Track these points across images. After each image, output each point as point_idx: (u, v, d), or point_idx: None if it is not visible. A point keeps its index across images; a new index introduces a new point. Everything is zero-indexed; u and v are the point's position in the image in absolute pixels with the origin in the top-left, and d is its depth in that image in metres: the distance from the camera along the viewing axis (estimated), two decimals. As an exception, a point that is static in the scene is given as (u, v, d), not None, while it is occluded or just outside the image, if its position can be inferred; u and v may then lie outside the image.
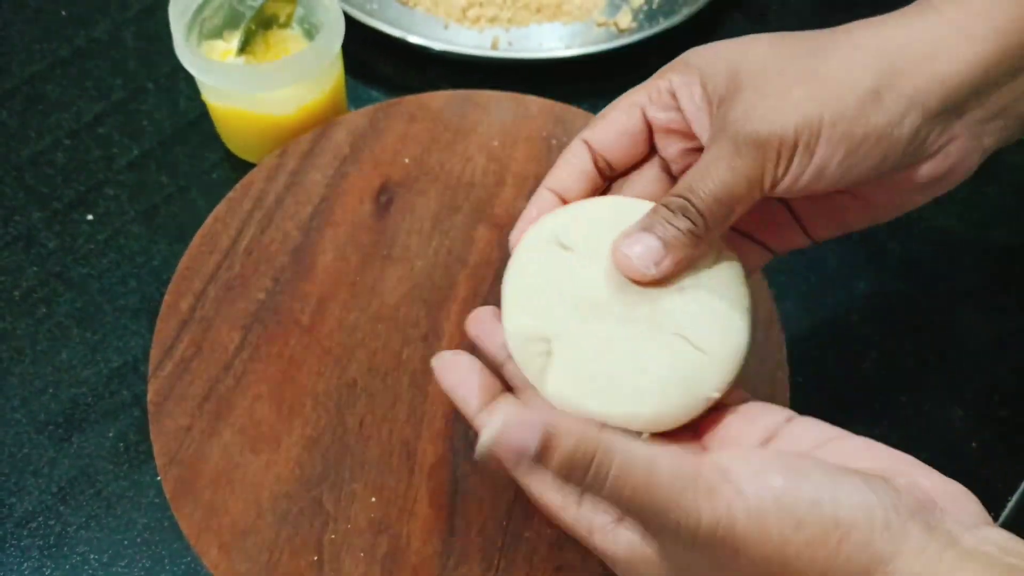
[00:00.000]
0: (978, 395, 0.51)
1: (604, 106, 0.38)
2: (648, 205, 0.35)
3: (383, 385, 0.43)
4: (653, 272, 0.33)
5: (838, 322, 0.53)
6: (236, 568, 0.39)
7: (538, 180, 0.48)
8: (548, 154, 0.49)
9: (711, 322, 0.34)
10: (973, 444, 0.50)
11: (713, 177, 0.32)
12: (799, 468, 0.28)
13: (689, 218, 0.33)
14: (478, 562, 0.39)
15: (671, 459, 0.27)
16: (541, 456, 0.25)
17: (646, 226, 0.33)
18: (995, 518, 0.48)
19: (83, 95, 0.58)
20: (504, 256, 0.47)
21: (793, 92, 0.32)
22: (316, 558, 0.39)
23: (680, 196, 0.33)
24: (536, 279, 0.35)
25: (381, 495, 0.41)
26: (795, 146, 0.32)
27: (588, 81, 0.60)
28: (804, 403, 0.48)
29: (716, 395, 0.33)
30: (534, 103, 0.51)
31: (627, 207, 0.35)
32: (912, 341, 0.53)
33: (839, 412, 0.50)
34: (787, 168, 0.32)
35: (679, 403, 0.33)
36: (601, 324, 0.33)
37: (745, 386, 0.44)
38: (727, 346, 0.33)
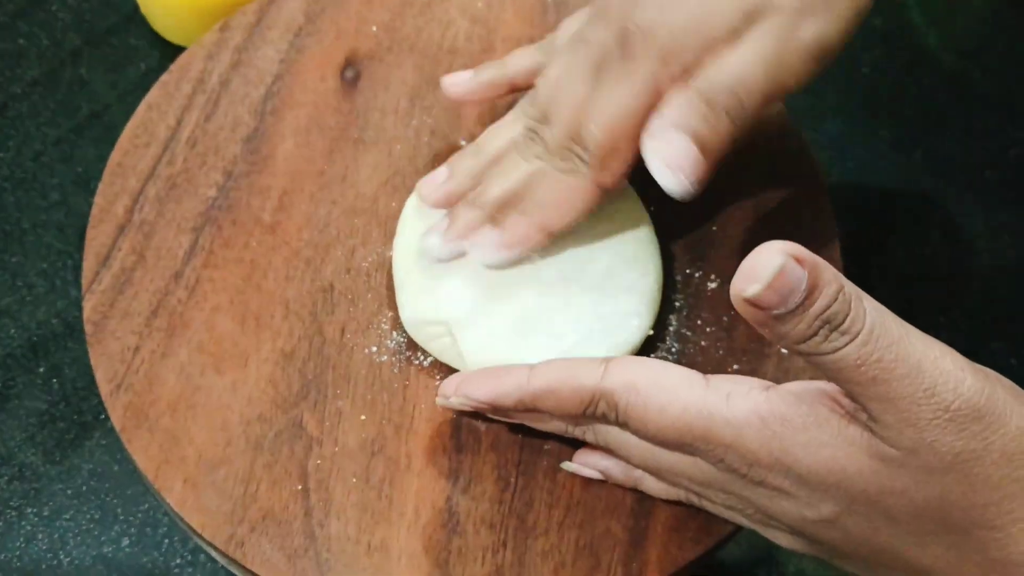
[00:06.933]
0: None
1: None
2: None
3: (366, 287, 0.37)
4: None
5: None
6: (205, 504, 0.32)
7: (534, 43, 0.42)
8: (543, 14, 0.42)
9: (622, 261, 0.35)
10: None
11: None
12: None
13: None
14: (493, 481, 0.34)
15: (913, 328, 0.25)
16: (807, 298, 0.23)
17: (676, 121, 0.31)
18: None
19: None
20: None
21: None
22: (300, 487, 0.33)
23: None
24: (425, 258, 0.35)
25: (373, 412, 0.35)
26: None
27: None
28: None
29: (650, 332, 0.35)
30: (518, -40, 0.44)
31: None
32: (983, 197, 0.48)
33: (902, 288, 0.45)
34: None
35: (614, 342, 0.34)
36: (501, 304, 0.34)
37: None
38: (648, 279, 0.35)
